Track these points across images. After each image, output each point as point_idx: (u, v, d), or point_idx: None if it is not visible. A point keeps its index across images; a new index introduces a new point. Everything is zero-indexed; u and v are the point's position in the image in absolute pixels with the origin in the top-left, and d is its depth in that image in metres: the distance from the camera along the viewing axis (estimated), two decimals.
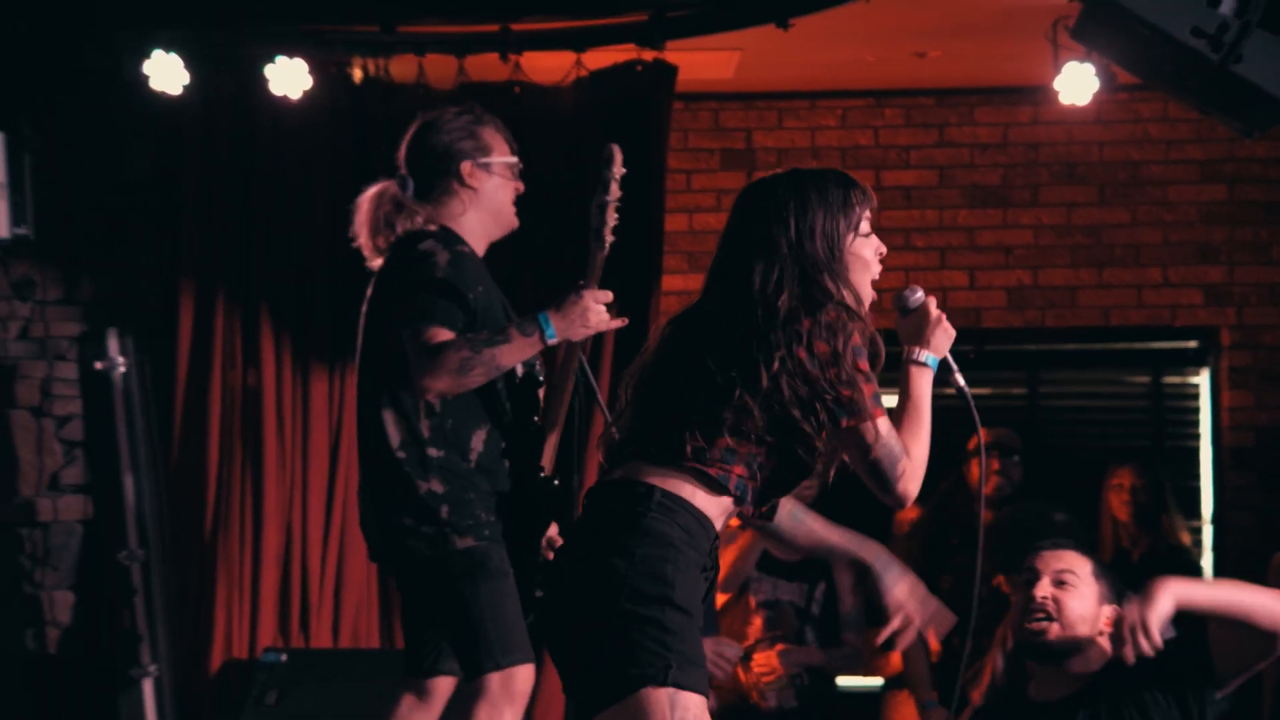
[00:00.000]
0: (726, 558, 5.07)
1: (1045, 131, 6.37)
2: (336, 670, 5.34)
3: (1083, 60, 5.21)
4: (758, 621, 5.31)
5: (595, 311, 3.66)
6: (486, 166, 3.85)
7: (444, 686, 3.87)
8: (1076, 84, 5.28)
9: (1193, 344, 6.44)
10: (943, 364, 2.87)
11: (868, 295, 2.80)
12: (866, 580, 5.00)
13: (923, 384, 2.81)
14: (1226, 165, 6.33)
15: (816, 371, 2.64)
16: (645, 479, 2.67)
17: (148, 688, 5.27)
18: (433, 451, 3.69)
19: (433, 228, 3.77)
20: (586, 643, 2.61)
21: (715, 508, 2.69)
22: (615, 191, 3.68)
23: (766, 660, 5.25)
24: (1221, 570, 6.21)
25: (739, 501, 2.72)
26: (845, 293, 2.73)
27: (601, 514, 2.70)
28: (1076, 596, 3.53)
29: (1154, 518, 5.53)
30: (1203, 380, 6.45)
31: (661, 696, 2.54)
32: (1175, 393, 6.51)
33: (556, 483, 3.84)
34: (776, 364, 2.64)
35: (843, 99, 6.43)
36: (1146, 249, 6.36)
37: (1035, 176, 6.40)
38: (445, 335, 3.59)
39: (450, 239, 3.75)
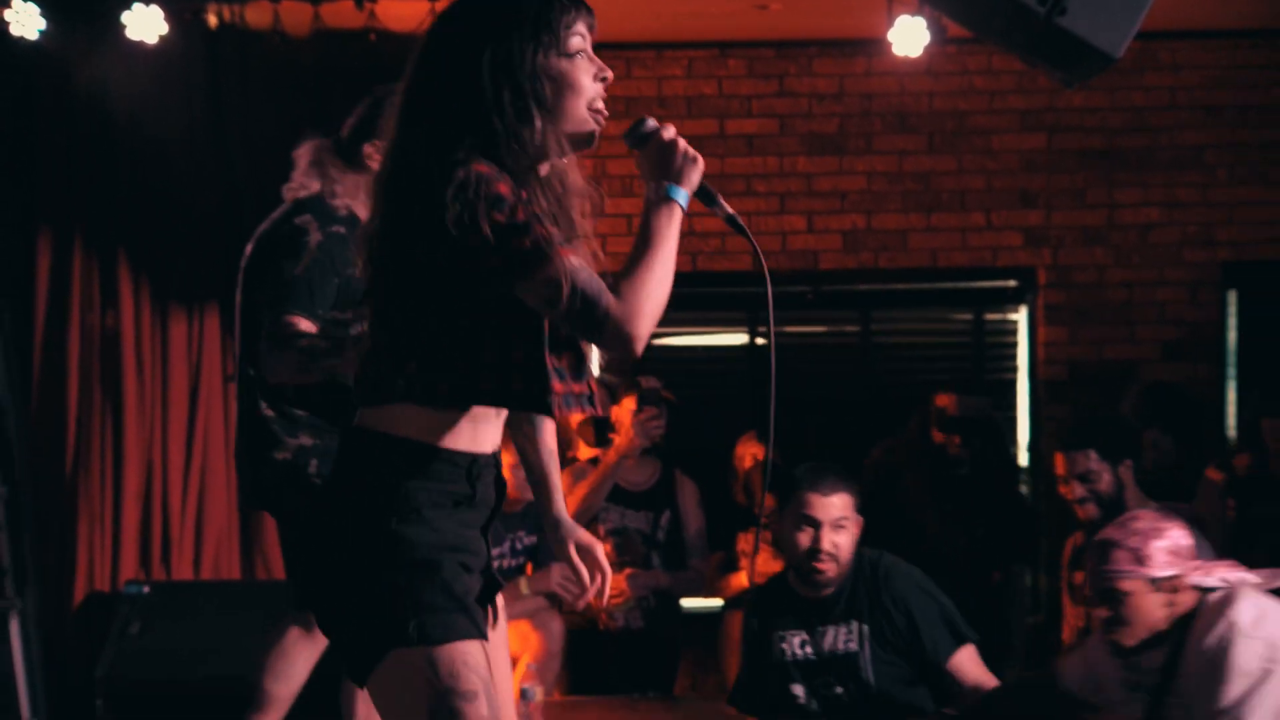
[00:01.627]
0: (577, 493, 5.13)
1: (879, 82, 6.53)
2: (198, 601, 5.40)
3: (915, 14, 5.35)
4: (607, 548, 5.49)
5: None
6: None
7: None
8: (909, 37, 5.42)
9: (1012, 283, 6.67)
10: (704, 195, 2.48)
11: (579, 122, 2.42)
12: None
13: (659, 219, 2.37)
14: (1046, 115, 6.56)
15: (466, 243, 2.27)
16: (359, 423, 2.40)
17: (13, 620, 5.28)
18: (299, 411, 3.72)
19: (311, 195, 3.69)
20: (333, 609, 2.37)
21: (448, 428, 2.36)
22: None
23: (615, 584, 5.45)
24: (1037, 497, 6.50)
25: (468, 402, 2.37)
26: (526, 128, 2.35)
27: (332, 472, 2.46)
28: (848, 535, 4.16)
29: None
30: (1021, 317, 6.68)
31: (415, 657, 2.27)
32: (995, 329, 6.74)
33: None
34: (428, 250, 2.30)
35: (688, 49, 6.54)
36: (971, 194, 6.56)
37: (869, 125, 6.57)
38: (303, 325, 3.53)
39: (327, 216, 3.66)
